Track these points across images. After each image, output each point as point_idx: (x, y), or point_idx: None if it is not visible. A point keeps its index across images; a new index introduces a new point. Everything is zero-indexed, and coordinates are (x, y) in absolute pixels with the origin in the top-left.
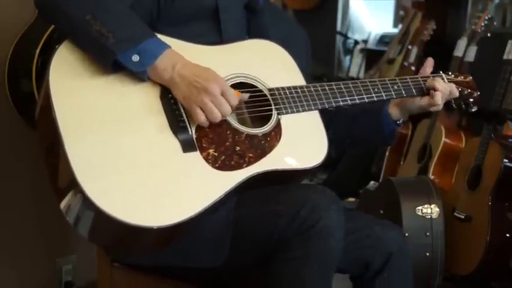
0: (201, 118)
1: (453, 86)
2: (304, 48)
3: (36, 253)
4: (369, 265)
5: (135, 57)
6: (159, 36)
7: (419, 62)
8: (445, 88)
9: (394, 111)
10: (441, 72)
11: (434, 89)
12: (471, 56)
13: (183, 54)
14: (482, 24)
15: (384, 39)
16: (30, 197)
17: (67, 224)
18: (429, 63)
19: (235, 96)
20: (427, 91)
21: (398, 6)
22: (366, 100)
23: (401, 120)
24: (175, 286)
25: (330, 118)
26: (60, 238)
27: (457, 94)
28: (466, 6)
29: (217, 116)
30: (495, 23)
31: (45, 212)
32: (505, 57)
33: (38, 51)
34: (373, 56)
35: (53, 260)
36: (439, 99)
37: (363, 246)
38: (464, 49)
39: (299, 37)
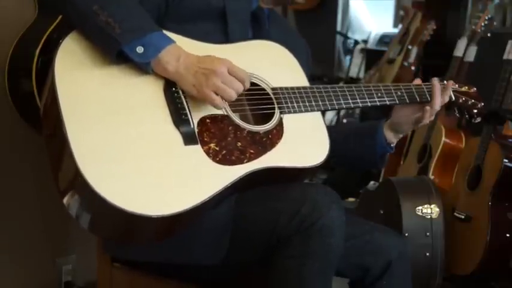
0: (218, 101)
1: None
2: (305, 59)
3: (36, 253)
4: (369, 271)
5: (140, 49)
6: (165, 32)
7: (419, 62)
8: (439, 97)
9: (388, 134)
10: (445, 82)
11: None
12: (471, 56)
13: (189, 50)
14: (482, 24)
15: (384, 39)
16: (30, 197)
17: (67, 223)
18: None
19: (243, 70)
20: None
21: (398, 6)
22: (369, 104)
23: (394, 144)
24: (175, 286)
25: None
26: (60, 238)
27: (450, 98)
28: (466, 6)
29: (231, 95)
30: (495, 23)
31: (45, 212)
32: (505, 57)
33: (38, 51)
34: (373, 56)
35: (53, 260)
36: (438, 103)
37: (363, 252)
38: (464, 49)
39: (300, 47)
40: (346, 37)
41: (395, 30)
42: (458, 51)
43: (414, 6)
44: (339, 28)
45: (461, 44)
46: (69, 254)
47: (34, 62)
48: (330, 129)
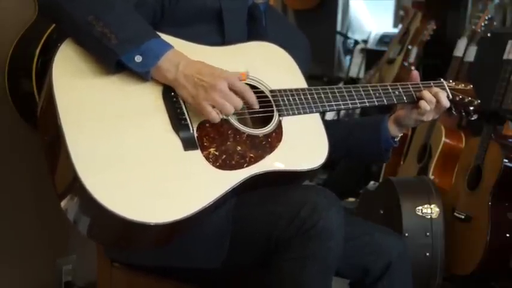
0: (213, 114)
1: (443, 96)
2: (305, 55)
3: (36, 253)
4: (369, 271)
5: (138, 58)
6: (162, 36)
7: (419, 62)
8: (431, 98)
9: (392, 128)
10: (442, 79)
11: (421, 98)
12: (471, 56)
13: (187, 54)
14: (482, 24)
15: (384, 39)
16: (30, 197)
17: (67, 223)
18: (414, 76)
19: (244, 85)
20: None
21: (398, 6)
22: (367, 104)
23: (398, 138)
24: (175, 286)
25: (326, 127)
26: (60, 238)
27: (447, 105)
28: (466, 6)
29: (230, 110)
30: (495, 23)
31: (45, 212)
32: (505, 57)
33: (38, 51)
34: (373, 56)
35: (53, 260)
36: (427, 107)
37: (363, 252)
38: (464, 49)
39: (300, 44)
40: (346, 37)
41: (395, 30)
42: (458, 51)
43: (414, 6)
44: (339, 28)
45: (461, 44)
46: (69, 254)
47: (34, 62)
48: (334, 123)
